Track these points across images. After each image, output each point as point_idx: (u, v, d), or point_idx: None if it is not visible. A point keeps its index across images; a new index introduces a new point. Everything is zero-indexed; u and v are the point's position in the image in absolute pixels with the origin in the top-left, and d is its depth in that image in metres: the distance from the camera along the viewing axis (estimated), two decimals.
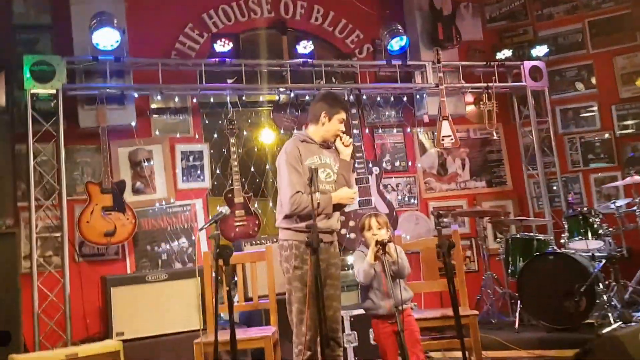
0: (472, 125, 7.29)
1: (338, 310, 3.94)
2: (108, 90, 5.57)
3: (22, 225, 5.40)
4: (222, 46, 5.82)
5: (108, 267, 5.78)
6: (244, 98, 6.20)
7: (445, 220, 6.95)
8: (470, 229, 7.05)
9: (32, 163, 5.22)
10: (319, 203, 3.67)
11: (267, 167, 6.35)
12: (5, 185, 4.78)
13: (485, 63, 6.96)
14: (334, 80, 6.41)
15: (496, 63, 6.98)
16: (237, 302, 4.52)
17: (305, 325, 3.67)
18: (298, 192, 3.82)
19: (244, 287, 4.71)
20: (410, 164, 7.02)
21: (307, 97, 6.39)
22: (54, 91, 5.34)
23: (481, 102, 6.97)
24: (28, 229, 5.29)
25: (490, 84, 6.90)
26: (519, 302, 5.64)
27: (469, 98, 7.19)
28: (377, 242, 3.95)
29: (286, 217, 3.93)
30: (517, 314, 5.63)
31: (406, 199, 6.94)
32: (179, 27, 6.27)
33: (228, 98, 6.09)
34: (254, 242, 5.61)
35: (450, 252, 3.83)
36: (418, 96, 6.91)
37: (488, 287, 6.19)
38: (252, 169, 6.25)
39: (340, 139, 4.04)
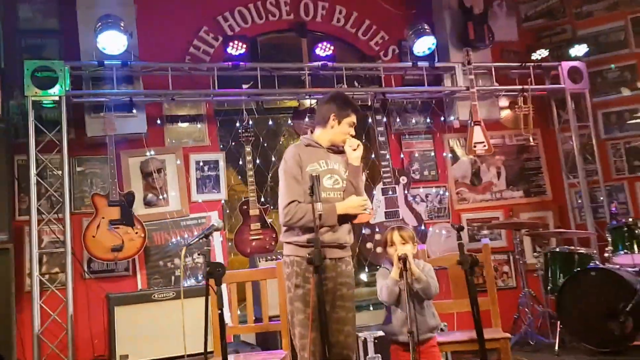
0: (508, 131, 6.80)
1: (351, 335, 3.52)
2: (115, 96, 5.26)
3: (27, 241, 5.13)
4: (235, 49, 5.47)
5: (117, 284, 5.45)
6: (261, 104, 5.83)
7: (481, 233, 6.52)
8: (507, 242, 6.54)
9: (33, 174, 4.91)
10: (320, 214, 3.27)
11: None
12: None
13: (520, 64, 6.49)
14: (356, 84, 6.03)
15: (532, 64, 6.50)
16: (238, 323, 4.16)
17: (307, 351, 3.26)
18: (293, 201, 3.45)
19: (254, 306, 4.33)
20: (440, 172, 6.56)
21: None
22: (56, 98, 5.04)
23: (516, 106, 6.49)
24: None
25: (525, 86, 6.43)
26: (558, 322, 5.19)
27: (504, 102, 6.71)
28: (399, 258, 3.54)
29: (288, 229, 3.56)
30: (557, 335, 5.17)
31: (436, 210, 6.48)
32: (193, 31, 5.95)
33: (243, 104, 5.72)
34: (270, 258, 5.23)
35: (472, 270, 3.39)
36: (447, 100, 6.46)
37: (525, 305, 5.69)
38: (270, 180, 5.88)
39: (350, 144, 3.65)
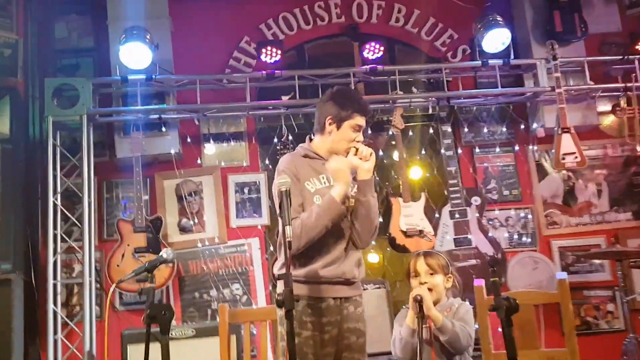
0: (610, 140, 5.61)
1: None
2: (137, 114, 4.88)
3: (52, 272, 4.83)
4: (269, 56, 4.91)
5: None
6: (301, 118, 5.18)
7: (577, 265, 5.40)
8: (612, 275, 5.34)
9: (51, 199, 4.63)
10: (289, 241, 2.55)
11: None
12: (4, 225, 4.18)
13: (621, 58, 5.35)
14: (414, 89, 5.22)
15: (637, 57, 5.34)
16: None
17: None
18: (294, 219, 2.74)
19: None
20: (523, 191, 5.51)
21: (378, 113, 5.25)
22: (77, 117, 4.75)
23: (618, 109, 5.35)
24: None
25: (629, 84, 5.28)
26: None
27: (605, 105, 5.56)
28: (413, 300, 2.76)
29: (283, 263, 2.87)
30: None
31: (519, 237, 5.44)
32: (233, 42, 5.46)
33: (282, 118, 5.11)
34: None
35: (509, 319, 2.50)
36: (531, 105, 5.46)
37: (630, 354, 4.52)
38: None
39: (356, 152, 2.90)
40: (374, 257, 6.78)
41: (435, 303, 2.94)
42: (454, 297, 3.14)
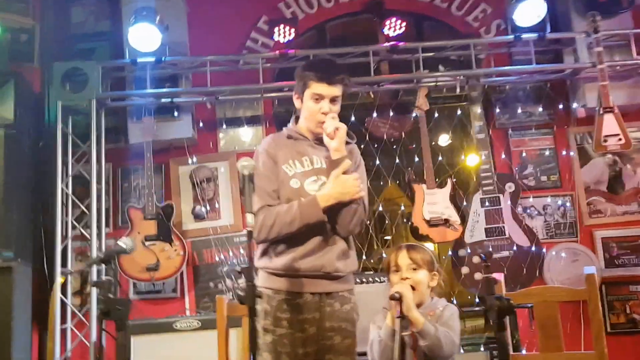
0: None
1: None
2: (144, 98, 4.73)
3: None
4: (282, 36, 4.65)
5: (163, 307, 4.87)
6: None
7: (623, 258, 4.93)
8: None
9: (59, 186, 4.53)
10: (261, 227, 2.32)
11: None
12: (7, 212, 4.08)
13: None
14: (441, 68, 4.86)
15: None
16: None
17: None
18: (262, 207, 2.51)
19: None
20: (563, 177, 5.06)
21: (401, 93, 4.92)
22: (86, 102, 4.63)
23: None
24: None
25: None
26: None
27: None
28: (391, 297, 2.46)
29: (264, 251, 2.62)
30: None
31: (558, 226, 5.00)
32: (251, 23, 5.22)
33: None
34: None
35: (501, 321, 2.18)
36: (571, 83, 5.00)
37: None
38: None
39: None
40: None
41: (418, 305, 2.60)
42: (440, 297, 2.80)
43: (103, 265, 4.66)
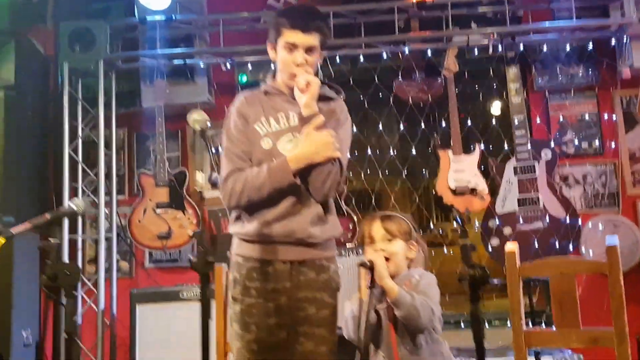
0: None
1: None
2: (153, 58, 4.53)
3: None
4: None
5: (181, 276, 4.68)
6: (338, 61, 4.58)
7: None
8: None
9: (66, 150, 4.38)
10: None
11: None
12: (9, 177, 3.93)
13: None
14: (473, 25, 4.48)
15: None
16: None
17: None
18: (232, 171, 2.27)
19: None
20: (606, 144, 4.66)
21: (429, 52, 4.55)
22: (92, 63, 4.45)
23: None
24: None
25: None
26: None
27: None
28: (360, 265, 2.21)
29: (237, 217, 2.39)
30: None
31: (599, 196, 4.62)
32: None
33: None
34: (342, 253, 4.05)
35: (476, 291, 1.92)
36: (617, 42, 4.56)
37: None
38: (356, 154, 4.64)
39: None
40: None
41: (393, 276, 2.37)
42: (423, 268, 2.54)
43: (115, 235, 4.59)
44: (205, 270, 2.07)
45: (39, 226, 2.28)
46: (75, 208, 2.31)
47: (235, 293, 2.30)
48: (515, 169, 4.41)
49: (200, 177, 4.82)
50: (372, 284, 2.22)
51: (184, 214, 4.48)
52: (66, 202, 2.36)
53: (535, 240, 4.25)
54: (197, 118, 2.12)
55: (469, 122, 4.65)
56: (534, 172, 4.39)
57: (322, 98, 2.32)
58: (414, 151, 4.71)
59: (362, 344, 2.13)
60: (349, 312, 2.35)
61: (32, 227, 2.25)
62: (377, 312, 2.34)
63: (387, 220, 2.46)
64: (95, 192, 4.49)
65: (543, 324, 4.19)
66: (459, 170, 4.34)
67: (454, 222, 2.26)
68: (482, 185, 4.32)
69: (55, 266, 2.14)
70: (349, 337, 2.32)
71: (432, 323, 2.28)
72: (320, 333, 2.27)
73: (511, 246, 3.06)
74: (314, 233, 2.29)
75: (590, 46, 4.60)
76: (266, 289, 2.26)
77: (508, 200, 4.40)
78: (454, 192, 4.30)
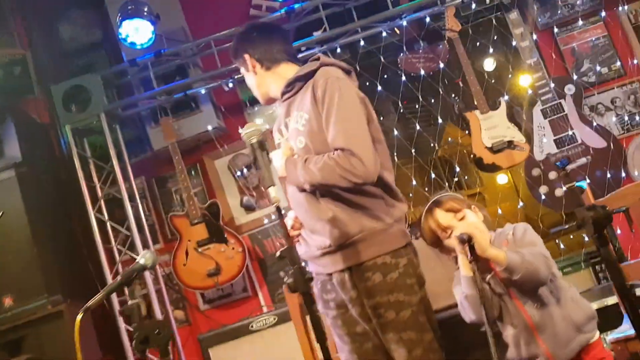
0: None
1: None
2: (151, 99, 4.39)
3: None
4: None
5: (239, 310, 4.57)
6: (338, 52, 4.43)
7: None
8: None
9: (91, 213, 4.21)
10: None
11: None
12: (41, 256, 3.75)
13: None
14: None
15: None
16: None
17: None
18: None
19: None
20: (626, 63, 4.52)
21: (427, 19, 4.42)
22: (94, 119, 4.29)
23: None
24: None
25: None
26: None
27: None
28: (460, 241, 2.06)
29: None
30: None
31: (632, 117, 4.50)
32: None
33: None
34: None
35: (601, 233, 1.79)
36: None
37: None
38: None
39: None
40: None
41: None
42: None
43: (164, 286, 4.43)
44: (306, 289, 1.95)
45: (110, 292, 2.11)
46: (144, 262, 2.14)
47: (321, 308, 2.32)
48: (543, 111, 4.29)
49: (232, 204, 4.65)
50: (474, 257, 2.07)
51: (227, 245, 4.33)
52: (137, 258, 2.17)
53: (586, 176, 4.12)
54: (248, 132, 2.02)
55: (487, 77, 4.52)
56: (563, 110, 4.27)
57: (298, 79, 2.29)
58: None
59: (487, 320, 1.98)
60: (461, 297, 2.19)
61: (106, 294, 2.09)
62: (488, 283, 2.20)
63: (441, 204, 2.28)
64: (132, 248, 4.33)
65: None
66: (491, 127, 4.21)
67: (556, 171, 2.06)
68: (518, 136, 4.19)
69: (143, 327, 1.97)
70: (471, 320, 2.17)
71: (550, 270, 2.13)
72: (408, 337, 2.15)
73: (582, 184, 2.94)
74: (336, 234, 2.18)
75: None
76: (340, 300, 2.24)
77: (545, 144, 4.28)
78: (492, 149, 4.17)
